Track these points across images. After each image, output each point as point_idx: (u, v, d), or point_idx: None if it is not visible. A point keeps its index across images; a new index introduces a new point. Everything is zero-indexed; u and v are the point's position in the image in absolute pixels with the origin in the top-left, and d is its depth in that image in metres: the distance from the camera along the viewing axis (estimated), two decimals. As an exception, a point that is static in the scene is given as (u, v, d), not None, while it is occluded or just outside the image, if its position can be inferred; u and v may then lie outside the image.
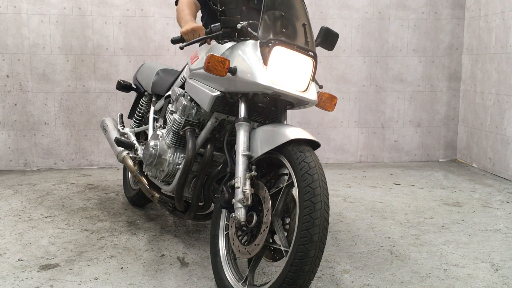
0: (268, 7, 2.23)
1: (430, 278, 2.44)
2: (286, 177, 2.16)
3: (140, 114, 3.46)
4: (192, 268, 2.54)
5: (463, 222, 3.28)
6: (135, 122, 3.48)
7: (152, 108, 3.20)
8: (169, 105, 2.79)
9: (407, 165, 5.05)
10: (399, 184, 4.27)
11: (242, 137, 2.18)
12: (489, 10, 4.65)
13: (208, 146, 2.49)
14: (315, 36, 2.40)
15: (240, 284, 2.17)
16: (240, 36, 2.33)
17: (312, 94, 2.28)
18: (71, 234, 3.00)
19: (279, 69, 2.18)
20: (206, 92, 2.38)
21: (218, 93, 2.33)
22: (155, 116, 3.16)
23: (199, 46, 2.71)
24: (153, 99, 3.22)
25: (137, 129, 3.41)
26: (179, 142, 2.65)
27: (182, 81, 2.82)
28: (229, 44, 2.36)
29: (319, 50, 2.61)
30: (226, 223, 2.34)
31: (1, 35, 4.51)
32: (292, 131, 2.08)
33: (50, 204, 3.58)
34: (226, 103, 2.41)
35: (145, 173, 2.92)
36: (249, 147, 2.18)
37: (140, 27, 4.70)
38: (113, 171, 4.64)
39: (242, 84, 2.19)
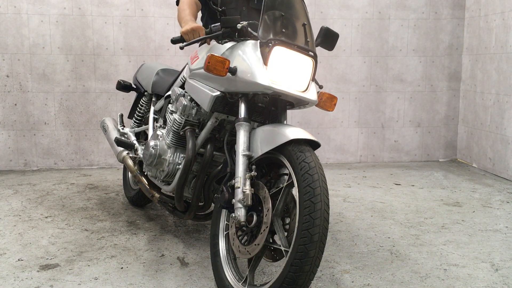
0: (268, 7, 2.23)
1: (430, 278, 2.44)
2: (286, 177, 2.16)
3: (140, 114, 3.46)
4: (192, 268, 2.54)
5: (463, 222, 3.28)
6: (135, 122, 3.48)
7: (152, 108, 3.20)
8: (169, 105, 2.79)
9: (407, 165, 5.05)
10: (399, 184, 4.27)
11: (242, 137, 2.18)
12: (489, 10, 4.65)
13: (208, 146, 2.49)
14: (315, 36, 2.40)
15: (240, 284, 2.17)
16: (240, 36, 2.33)
17: (312, 94, 2.28)
18: (71, 234, 3.00)
19: (279, 69, 2.18)
20: (206, 92, 2.38)
21: (218, 93, 2.33)
22: (155, 116, 3.16)
23: (199, 46, 2.71)
24: (153, 99, 3.22)
25: (137, 129, 3.41)
26: (179, 142, 2.65)
27: (182, 81, 2.82)
28: (229, 44, 2.36)
29: (319, 50, 2.61)
30: (226, 223, 2.34)
31: (1, 35, 4.51)
32: (292, 131, 2.08)
33: (50, 204, 3.58)
34: (226, 103, 2.41)
35: (145, 173, 2.92)
36: (249, 147, 2.18)
37: (140, 27, 4.70)
38: (113, 171, 4.64)
39: (242, 84, 2.19)
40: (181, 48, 2.41)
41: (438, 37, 5.05)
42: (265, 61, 2.16)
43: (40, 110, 4.65)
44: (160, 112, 3.07)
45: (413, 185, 4.23)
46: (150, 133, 3.08)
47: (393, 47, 5.02)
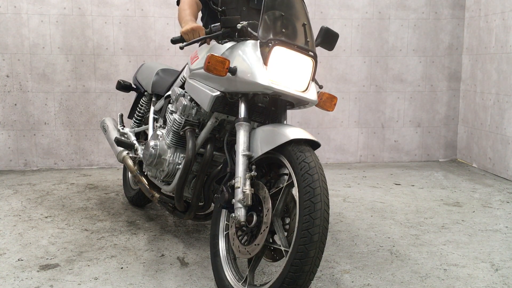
0: (268, 7, 2.23)
1: (430, 278, 2.44)
2: (286, 177, 2.16)
3: (140, 114, 3.46)
4: (192, 268, 2.54)
5: (463, 222, 3.28)
6: (135, 122, 3.48)
7: (152, 108, 3.20)
8: (169, 105, 2.79)
9: (407, 165, 5.05)
10: (399, 184, 4.27)
11: (242, 137, 2.18)
12: (489, 10, 4.65)
13: (208, 146, 2.49)
14: (315, 36, 2.39)
15: (240, 284, 2.17)
16: (240, 36, 2.33)
17: (312, 94, 2.28)
18: (71, 234, 3.00)
19: (279, 69, 2.18)
20: (206, 92, 2.38)
21: (218, 93, 2.33)
22: (155, 116, 3.16)
23: (199, 46, 2.71)
24: (153, 99, 3.22)
25: (137, 129, 3.41)
26: (179, 142, 2.65)
27: (182, 81, 2.82)
28: (229, 44, 2.36)
29: (319, 50, 2.61)
30: (226, 223, 2.34)
31: (1, 35, 4.51)
32: (292, 131, 2.08)
33: (50, 204, 3.58)
34: (226, 103, 2.41)
35: (145, 173, 2.92)
36: (249, 147, 2.18)
37: (140, 27, 4.70)
38: (113, 171, 4.64)
39: (242, 84, 2.19)
40: (181, 48, 2.41)
41: (438, 37, 5.05)
42: (265, 61, 2.16)
43: (40, 110, 4.65)
44: (160, 112, 3.07)
45: (413, 185, 4.23)
46: (150, 133, 3.08)
47: (393, 47, 5.02)
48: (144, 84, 3.38)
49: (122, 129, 3.43)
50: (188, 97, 2.58)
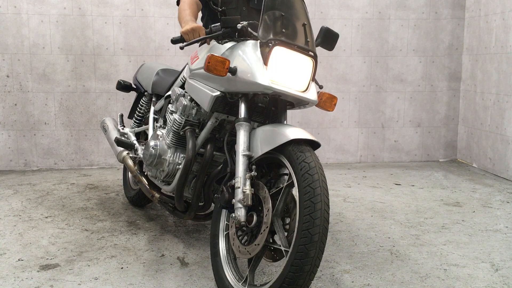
0: (268, 7, 2.23)
1: (430, 278, 2.44)
2: (286, 177, 2.16)
3: (140, 114, 3.46)
4: (192, 268, 2.54)
5: (463, 222, 3.28)
6: (135, 122, 3.48)
7: (152, 108, 3.20)
8: (169, 105, 2.79)
9: (407, 165, 5.05)
10: (399, 184, 4.27)
11: (242, 137, 2.18)
12: (489, 10, 4.65)
13: (208, 146, 2.49)
14: (315, 36, 2.39)
15: (240, 284, 2.17)
16: (240, 36, 2.33)
17: (312, 94, 2.28)
18: (71, 234, 3.00)
19: (279, 69, 2.18)
20: (206, 92, 2.38)
21: (218, 93, 2.33)
22: (155, 116, 3.16)
23: (199, 46, 2.71)
24: (153, 99, 3.22)
25: (137, 129, 3.41)
26: (179, 142, 2.65)
27: (182, 81, 2.82)
28: (229, 44, 2.36)
29: (319, 50, 2.61)
30: (226, 223, 2.34)
31: (1, 35, 4.51)
32: (292, 131, 2.08)
33: (50, 204, 3.58)
34: (226, 103, 2.41)
35: (145, 173, 2.92)
36: (249, 147, 2.18)
37: (140, 27, 4.70)
38: (113, 171, 4.64)
39: (242, 84, 2.19)
40: (181, 48, 2.41)
41: (438, 37, 5.05)
42: (265, 61, 2.16)
43: (40, 110, 4.65)
44: (160, 112, 3.07)
45: (413, 185, 4.23)
46: (150, 133, 3.08)
47: (393, 47, 5.02)
48: (144, 84, 3.38)
49: (122, 129, 3.43)
50: (188, 97, 2.58)
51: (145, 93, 3.40)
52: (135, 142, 3.20)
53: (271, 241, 2.10)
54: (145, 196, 3.31)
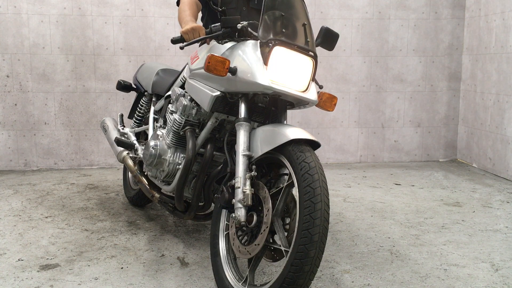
0: (268, 7, 2.23)
1: (430, 278, 2.44)
2: (286, 177, 2.16)
3: (140, 114, 3.46)
4: (192, 268, 2.54)
5: (463, 222, 3.28)
6: (135, 122, 3.48)
7: (152, 108, 3.20)
8: (169, 105, 2.79)
9: (407, 165, 5.05)
10: (399, 184, 4.27)
11: (242, 137, 2.19)
12: (489, 10, 4.65)
13: (208, 146, 2.49)
14: (315, 36, 2.39)
15: (240, 284, 2.17)
16: (240, 36, 2.33)
17: (312, 94, 2.28)
18: (71, 234, 3.00)
19: (279, 69, 2.18)
20: (206, 92, 2.38)
21: (218, 93, 2.33)
22: (155, 116, 3.16)
23: (199, 46, 2.71)
24: (153, 99, 3.22)
25: (137, 129, 3.41)
26: (179, 142, 2.65)
27: (182, 81, 2.82)
28: (229, 44, 2.36)
29: (319, 50, 2.61)
30: (226, 223, 2.34)
31: (1, 35, 4.51)
32: (292, 131, 2.08)
33: (50, 204, 3.58)
34: (226, 103, 2.41)
35: (145, 173, 2.92)
36: (249, 147, 2.18)
37: (140, 27, 4.70)
38: (113, 171, 4.64)
39: (242, 84, 2.19)
40: (181, 48, 2.41)
41: (438, 37, 5.05)
42: (265, 61, 2.16)
43: (40, 110, 4.65)
44: (160, 112, 3.07)
45: (413, 185, 4.23)
46: (150, 133, 3.08)
47: (393, 47, 5.02)
48: (144, 84, 3.38)
49: (122, 129, 3.43)
50: (188, 97, 2.58)
51: (145, 93, 3.40)
52: (135, 142, 3.20)
53: (271, 241, 2.10)
54: (145, 196, 3.31)
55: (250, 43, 2.25)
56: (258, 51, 2.19)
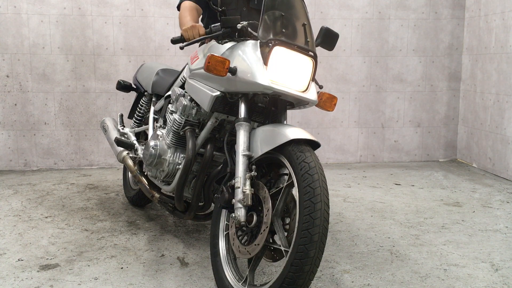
0: (268, 7, 2.23)
1: (430, 278, 2.44)
2: (286, 177, 2.16)
3: (140, 114, 3.46)
4: (192, 268, 2.54)
5: (463, 222, 3.28)
6: (135, 122, 3.48)
7: (152, 108, 3.20)
8: (169, 105, 2.79)
9: (407, 165, 5.05)
10: (399, 184, 4.27)
11: (242, 137, 2.19)
12: (489, 10, 4.65)
13: (208, 146, 2.49)
14: (315, 36, 2.39)
15: (240, 284, 2.17)
16: (240, 36, 2.33)
17: (312, 94, 2.28)
18: (71, 234, 3.00)
19: (279, 69, 2.18)
20: (206, 92, 2.38)
21: (218, 93, 2.33)
22: (155, 116, 3.16)
23: (199, 46, 2.71)
24: (153, 99, 3.22)
25: (137, 129, 3.41)
26: (179, 142, 2.65)
27: (182, 81, 2.82)
28: (229, 44, 2.36)
29: (319, 50, 2.61)
30: (226, 223, 2.34)
31: (1, 35, 4.51)
32: (292, 131, 2.08)
33: (50, 204, 3.58)
34: (226, 103, 2.41)
35: (145, 173, 2.92)
36: (249, 147, 2.18)
37: (140, 27, 4.70)
38: (113, 171, 4.64)
39: (242, 84, 2.19)
40: (181, 48, 2.41)
41: (438, 37, 5.05)
42: (265, 61, 2.16)
43: (40, 110, 4.65)
44: (160, 112, 3.07)
45: (413, 185, 4.23)
46: (150, 133, 3.08)
47: (393, 47, 5.02)
48: (144, 84, 3.38)
49: (122, 129, 3.43)
50: (188, 97, 2.58)
51: (145, 93, 3.40)
52: (135, 142, 3.20)
53: (271, 241, 2.10)
54: (145, 196, 3.31)
55: (250, 43, 2.25)
56: (258, 51, 2.19)
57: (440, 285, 2.37)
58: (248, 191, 2.09)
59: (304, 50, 2.22)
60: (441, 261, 2.65)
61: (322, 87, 2.57)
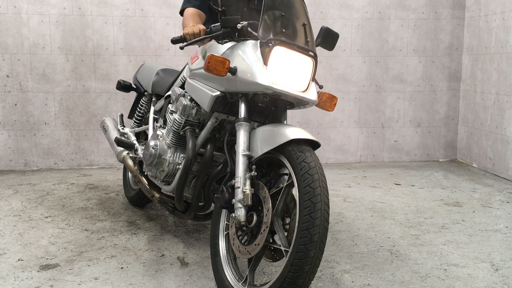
0: (268, 7, 2.23)
1: (430, 278, 2.44)
2: (286, 177, 2.16)
3: (140, 114, 3.46)
4: (192, 268, 2.54)
5: (463, 222, 3.28)
6: (135, 122, 3.48)
7: (152, 108, 3.20)
8: (169, 105, 2.79)
9: (407, 165, 5.05)
10: (399, 184, 4.27)
11: (242, 137, 2.19)
12: (489, 10, 4.65)
13: (208, 146, 2.49)
14: (315, 36, 2.39)
15: (240, 284, 2.17)
16: (240, 36, 2.33)
17: (312, 94, 2.28)
18: (71, 234, 3.00)
19: (279, 69, 2.18)
20: (206, 92, 2.38)
21: (218, 93, 2.34)
22: (155, 116, 3.16)
23: (199, 46, 2.71)
24: (153, 99, 3.22)
25: (137, 129, 3.41)
26: (179, 142, 2.65)
27: (182, 81, 2.82)
28: (229, 44, 2.37)
29: (319, 50, 2.61)
30: (226, 223, 2.34)
31: (1, 35, 4.51)
32: (292, 131, 2.08)
33: (50, 204, 3.58)
34: (226, 103, 2.41)
35: (145, 173, 2.92)
36: (249, 147, 2.18)
37: (140, 27, 4.70)
38: (113, 171, 4.64)
39: (242, 84, 2.19)
40: (181, 48, 2.41)
41: (438, 37, 5.05)
42: (265, 61, 2.16)
43: (40, 110, 4.65)
44: (160, 112, 3.07)
45: (413, 185, 4.23)
46: (150, 133, 3.08)
47: (393, 47, 5.02)
48: (144, 84, 3.38)
49: (122, 129, 3.43)
50: (188, 97, 2.59)
51: (145, 93, 3.40)
52: (135, 142, 3.20)
53: (271, 241, 2.10)
54: (145, 196, 3.31)
55: (250, 43, 2.25)
56: (258, 51, 2.19)
57: (440, 285, 2.37)
58: (248, 191, 2.09)
59: (304, 50, 2.22)
60: (441, 261, 2.65)
61: (322, 87, 2.57)
